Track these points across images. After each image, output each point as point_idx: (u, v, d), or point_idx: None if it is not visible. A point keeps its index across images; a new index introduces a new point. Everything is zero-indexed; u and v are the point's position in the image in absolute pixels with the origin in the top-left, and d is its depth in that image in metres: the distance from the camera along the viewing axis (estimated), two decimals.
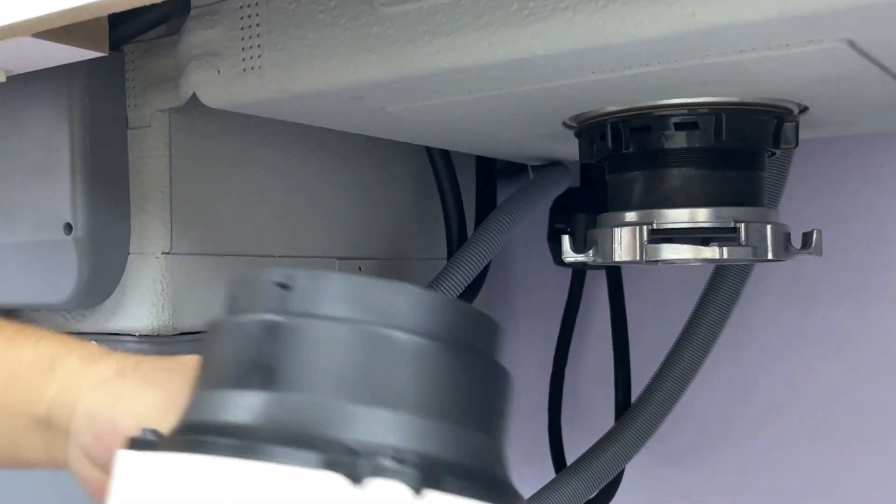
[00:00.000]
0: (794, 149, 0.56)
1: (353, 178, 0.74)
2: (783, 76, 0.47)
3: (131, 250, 0.62)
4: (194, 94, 0.56)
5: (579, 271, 0.87)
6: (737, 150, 0.54)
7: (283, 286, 0.33)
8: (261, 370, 0.33)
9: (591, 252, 0.57)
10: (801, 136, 0.70)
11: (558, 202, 0.84)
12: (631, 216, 0.55)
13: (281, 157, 0.69)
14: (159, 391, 0.41)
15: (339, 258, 0.73)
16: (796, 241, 0.56)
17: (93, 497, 0.44)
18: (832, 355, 0.81)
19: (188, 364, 0.42)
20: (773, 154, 0.57)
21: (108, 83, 0.61)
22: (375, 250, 0.77)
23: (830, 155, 0.80)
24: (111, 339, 0.63)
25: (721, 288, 0.72)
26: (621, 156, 0.56)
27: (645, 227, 0.54)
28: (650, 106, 0.53)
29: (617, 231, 0.55)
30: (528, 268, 0.94)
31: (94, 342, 0.46)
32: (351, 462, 0.30)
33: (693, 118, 0.53)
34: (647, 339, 0.83)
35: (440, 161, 0.74)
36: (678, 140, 0.53)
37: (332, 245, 0.73)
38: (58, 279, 0.61)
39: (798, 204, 0.78)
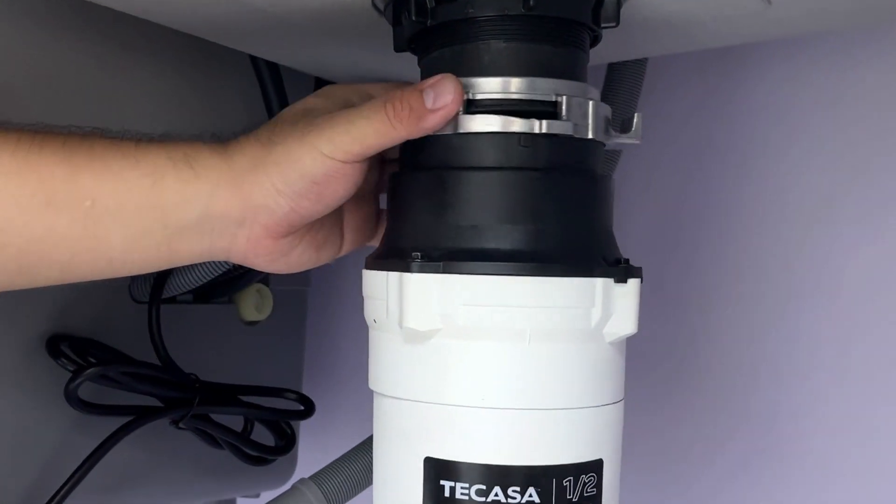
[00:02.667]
0: (615, 28, 0.51)
1: (171, 89, 0.68)
2: None
3: None
4: None
5: None
6: (551, 21, 0.49)
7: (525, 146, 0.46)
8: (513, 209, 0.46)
9: None
10: (651, 51, 0.66)
11: None
12: None
13: (75, 55, 0.61)
14: (335, 134, 0.46)
15: None
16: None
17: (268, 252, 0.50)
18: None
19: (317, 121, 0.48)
20: (596, 36, 0.52)
21: None
22: None
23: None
24: None
25: None
26: (427, 32, 0.50)
27: None
28: None
29: None
30: None
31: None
32: (616, 271, 0.46)
33: None
34: None
35: (266, 74, 0.68)
36: (485, 7, 0.48)
37: None
38: None
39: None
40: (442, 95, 0.46)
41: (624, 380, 0.49)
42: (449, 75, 0.46)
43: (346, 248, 0.55)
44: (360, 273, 0.51)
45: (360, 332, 0.95)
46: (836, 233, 0.76)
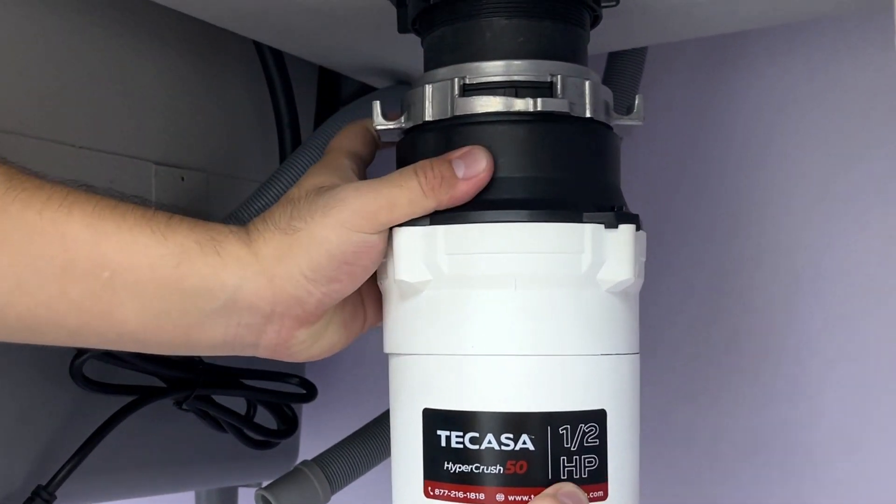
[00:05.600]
0: (615, 7, 0.52)
1: (178, 75, 0.69)
2: None
3: None
4: None
5: None
6: None
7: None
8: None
9: (403, 118, 0.52)
10: (650, 38, 0.67)
11: None
12: (443, 72, 0.51)
13: (82, 34, 0.62)
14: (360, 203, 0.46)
15: (157, 163, 0.67)
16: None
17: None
18: None
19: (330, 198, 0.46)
20: (597, 16, 0.53)
21: None
22: (201, 161, 0.71)
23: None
24: None
25: None
26: (430, 10, 0.51)
27: (456, 81, 0.49)
28: None
29: (428, 88, 0.50)
30: None
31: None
32: (605, 217, 0.46)
33: None
34: None
35: (271, 62, 0.69)
36: None
37: (147, 145, 0.66)
38: None
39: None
40: (472, 165, 0.46)
41: (636, 333, 0.49)
42: (477, 146, 0.47)
43: (371, 321, 0.53)
44: None
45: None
46: (835, 222, 0.76)
